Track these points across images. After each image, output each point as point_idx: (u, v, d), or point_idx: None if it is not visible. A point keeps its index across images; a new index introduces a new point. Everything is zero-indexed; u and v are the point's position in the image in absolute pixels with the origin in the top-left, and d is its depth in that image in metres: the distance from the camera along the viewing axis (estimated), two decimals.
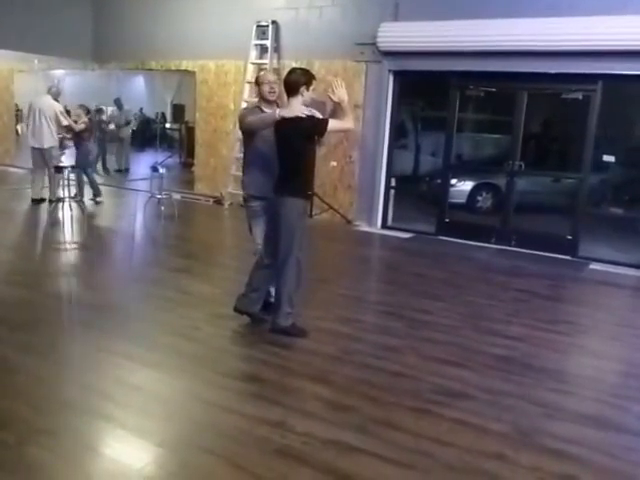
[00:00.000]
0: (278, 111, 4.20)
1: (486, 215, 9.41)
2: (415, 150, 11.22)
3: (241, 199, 4.95)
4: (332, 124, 4.20)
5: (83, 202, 8.94)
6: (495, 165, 9.21)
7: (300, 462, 2.87)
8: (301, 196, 4.27)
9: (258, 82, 4.63)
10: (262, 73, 4.98)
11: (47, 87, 9.46)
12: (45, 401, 3.35)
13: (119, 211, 9.88)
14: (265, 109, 4.45)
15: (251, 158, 4.56)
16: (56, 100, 9.08)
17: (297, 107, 4.18)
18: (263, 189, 4.40)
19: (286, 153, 4.24)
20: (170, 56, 10.59)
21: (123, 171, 14.13)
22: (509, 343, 4.53)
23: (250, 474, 2.77)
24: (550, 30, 6.88)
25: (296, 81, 4.21)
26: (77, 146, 9.13)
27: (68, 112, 9.33)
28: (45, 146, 8.95)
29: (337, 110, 4.31)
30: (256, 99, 4.81)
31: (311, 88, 4.26)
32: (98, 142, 13.84)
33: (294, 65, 9.01)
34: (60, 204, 8.12)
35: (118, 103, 14.03)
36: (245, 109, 5.24)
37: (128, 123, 14.27)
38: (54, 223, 7.88)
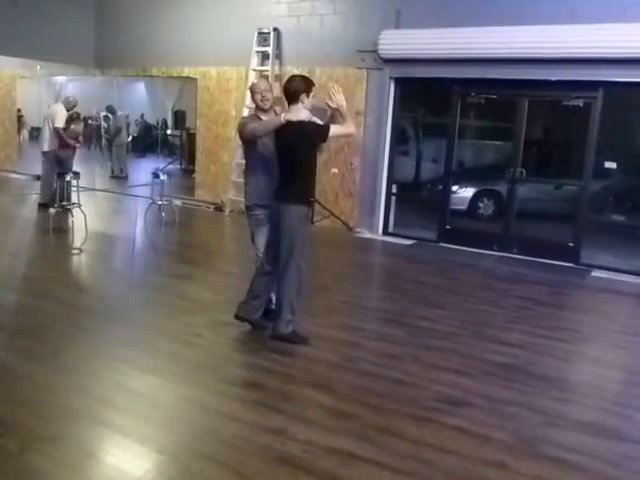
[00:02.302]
0: (283, 115, 4.19)
1: (487, 222, 9.40)
2: (416, 157, 11.21)
3: (242, 206, 4.86)
4: (333, 129, 4.21)
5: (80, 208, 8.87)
6: (496, 172, 9.19)
7: (301, 470, 2.86)
8: (302, 203, 4.26)
9: (251, 91, 4.62)
10: (255, 81, 4.93)
11: (64, 97, 9.59)
12: (46, 407, 3.34)
13: (120, 217, 9.88)
14: (262, 117, 4.44)
15: (253, 166, 4.53)
16: (68, 110, 9.16)
17: (301, 112, 4.19)
18: (267, 197, 4.38)
19: (287, 159, 4.24)
20: (172, 63, 10.62)
21: (122, 178, 13.91)
22: (510, 351, 4.52)
23: None
24: (551, 37, 6.89)
25: (296, 88, 4.22)
26: (64, 152, 9.14)
27: (74, 119, 9.34)
28: (43, 149, 9.23)
29: (336, 116, 4.32)
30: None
31: (311, 95, 4.26)
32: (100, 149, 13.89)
33: (295, 72, 9.07)
34: (61, 209, 8.11)
35: (111, 109, 14.01)
36: (244, 118, 5.20)
37: (119, 130, 14.15)
38: (54, 229, 7.86)
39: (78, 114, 9.47)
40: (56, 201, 8.32)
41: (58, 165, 8.89)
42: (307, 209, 4.37)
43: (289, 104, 4.26)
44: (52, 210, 7.94)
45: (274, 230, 4.32)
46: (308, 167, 4.31)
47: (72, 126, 9.16)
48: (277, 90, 9.32)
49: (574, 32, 6.78)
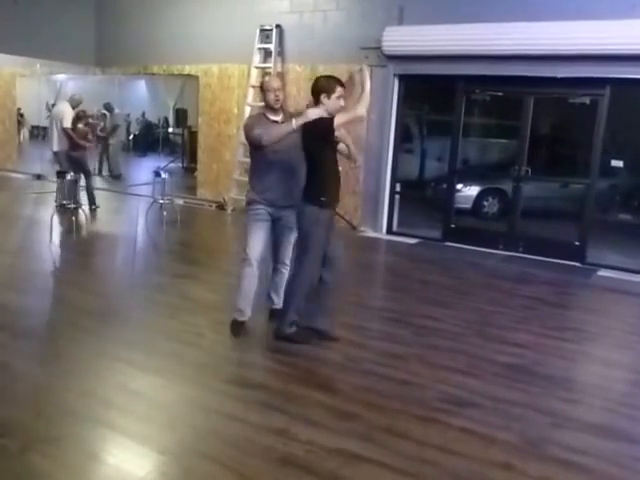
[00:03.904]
0: (294, 120, 4.03)
1: (493, 221, 9.36)
2: (420, 155, 11.17)
3: (244, 204, 4.74)
4: (340, 117, 4.03)
5: (82, 208, 8.84)
6: (501, 170, 9.16)
7: (304, 471, 2.83)
8: (314, 203, 4.13)
9: (263, 88, 4.40)
10: (267, 79, 4.57)
11: (70, 95, 9.58)
12: (47, 408, 3.31)
13: (121, 216, 9.85)
14: (270, 116, 4.32)
15: (258, 162, 4.40)
16: (73, 108, 9.14)
17: (312, 112, 4.04)
18: (270, 194, 4.29)
19: (307, 159, 4.19)
20: (173, 60, 10.58)
21: (116, 177, 13.74)
22: (516, 351, 4.48)
23: None
24: (557, 34, 6.83)
25: (316, 89, 4.12)
26: (77, 153, 9.11)
27: (81, 117, 9.34)
28: (54, 149, 9.18)
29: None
30: (261, 103, 4.62)
31: (334, 96, 4.06)
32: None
33: (298, 69, 9.05)
34: (62, 209, 8.10)
35: (108, 107, 13.96)
36: (250, 118, 4.90)
37: (115, 128, 14.10)
38: (55, 228, 7.83)
39: (84, 112, 9.44)
40: (59, 201, 8.32)
41: (74, 166, 8.87)
42: (320, 210, 4.15)
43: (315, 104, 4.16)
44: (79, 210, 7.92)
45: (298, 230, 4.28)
46: (321, 166, 4.16)
47: (79, 125, 9.13)
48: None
49: (581, 28, 6.71)
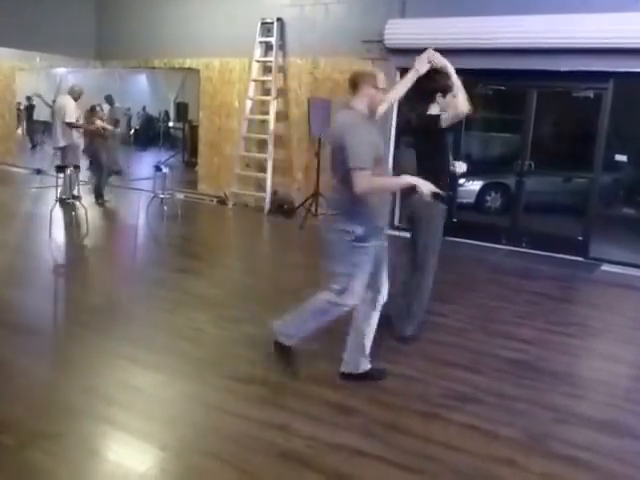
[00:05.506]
0: (404, 178, 3.40)
1: (495, 215, 9.32)
2: None
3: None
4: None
5: (81, 202, 8.80)
6: (504, 164, 9.10)
7: (306, 466, 2.82)
8: None
9: (371, 84, 3.41)
10: (380, 75, 3.48)
11: (69, 87, 9.50)
12: (47, 404, 3.30)
13: (122, 211, 9.81)
14: (366, 118, 3.48)
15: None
16: (75, 99, 9.08)
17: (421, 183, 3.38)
18: (385, 216, 3.68)
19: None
20: (174, 54, 10.54)
21: (116, 173, 13.66)
22: (520, 346, 4.46)
23: (255, 478, 2.73)
24: (561, 27, 6.78)
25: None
26: (94, 145, 9.09)
27: (95, 111, 9.32)
28: (59, 145, 9.08)
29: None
30: (353, 103, 3.47)
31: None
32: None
33: (299, 62, 9.01)
34: (62, 203, 8.07)
35: (109, 100, 13.90)
36: (353, 127, 3.36)
37: (116, 122, 14.02)
38: (56, 223, 7.79)
39: (95, 107, 9.40)
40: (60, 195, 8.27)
41: (92, 159, 8.83)
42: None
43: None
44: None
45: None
46: None
47: (97, 121, 9.10)
48: (281, 82, 9.27)
49: (585, 22, 6.66)
